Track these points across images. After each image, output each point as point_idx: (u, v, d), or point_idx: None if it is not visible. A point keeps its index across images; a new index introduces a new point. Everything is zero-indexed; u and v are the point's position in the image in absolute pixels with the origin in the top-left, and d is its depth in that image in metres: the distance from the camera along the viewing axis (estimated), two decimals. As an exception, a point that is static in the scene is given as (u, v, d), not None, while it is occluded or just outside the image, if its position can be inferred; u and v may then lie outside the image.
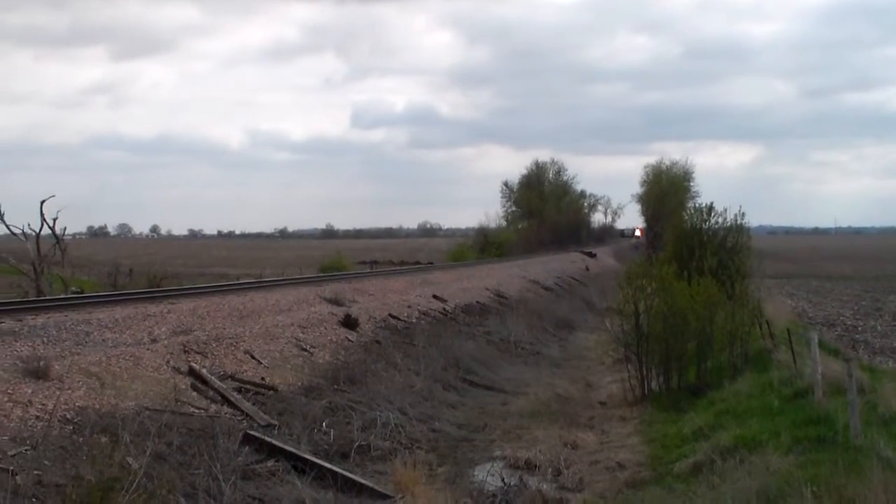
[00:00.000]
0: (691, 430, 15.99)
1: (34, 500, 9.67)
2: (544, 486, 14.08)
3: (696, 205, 39.74)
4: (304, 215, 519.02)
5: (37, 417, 11.95)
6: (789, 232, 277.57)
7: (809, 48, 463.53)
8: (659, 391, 21.29)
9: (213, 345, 18.67)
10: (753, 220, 41.39)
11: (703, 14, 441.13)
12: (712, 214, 32.46)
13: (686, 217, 35.56)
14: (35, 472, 10.23)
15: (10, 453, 10.55)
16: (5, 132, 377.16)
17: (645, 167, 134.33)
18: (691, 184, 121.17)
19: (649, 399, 20.91)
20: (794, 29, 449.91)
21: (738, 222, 32.07)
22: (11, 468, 10.05)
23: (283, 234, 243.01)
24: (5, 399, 12.22)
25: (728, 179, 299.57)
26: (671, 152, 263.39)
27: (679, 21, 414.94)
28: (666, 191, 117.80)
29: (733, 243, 31.62)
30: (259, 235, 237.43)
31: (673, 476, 13.69)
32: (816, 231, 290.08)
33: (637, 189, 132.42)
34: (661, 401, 20.25)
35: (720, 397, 18.25)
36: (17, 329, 16.57)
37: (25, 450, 10.80)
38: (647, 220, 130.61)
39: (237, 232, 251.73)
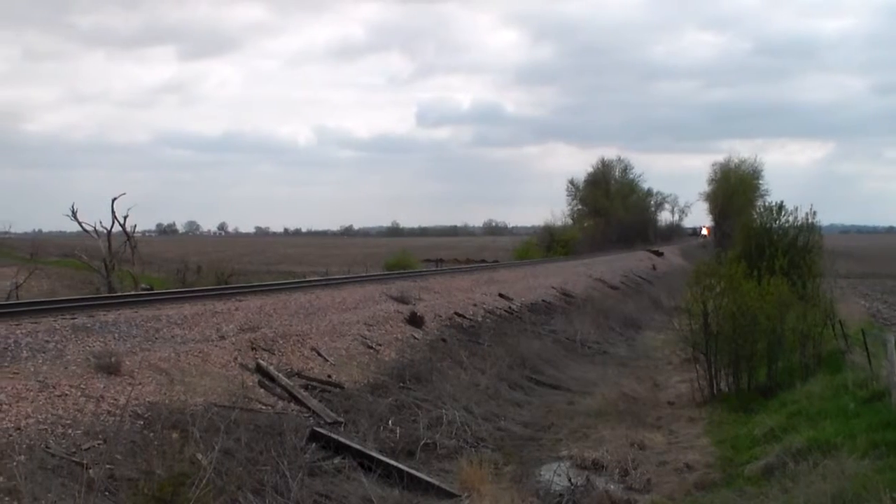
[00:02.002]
0: (762, 432, 15.71)
1: (107, 493, 9.80)
2: (611, 487, 13.94)
3: (766, 203, 39.23)
4: (369, 213, 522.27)
5: (108, 412, 12.12)
6: (862, 231, 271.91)
7: (883, 43, 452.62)
8: (728, 392, 20.97)
9: (280, 342, 18.79)
10: (825, 218, 40.70)
11: (772, 10, 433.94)
12: (782, 213, 31.99)
13: (755, 216, 35.09)
14: (107, 465, 10.38)
15: (83, 447, 10.72)
16: (78, 131, 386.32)
17: (713, 165, 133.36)
18: (760, 182, 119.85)
19: (718, 399, 20.61)
20: (868, 24, 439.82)
21: (810, 221, 31.55)
22: (85, 461, 10.21)
23: (348, 232, 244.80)
24: (78, 394, 12.42)
25: (798, 177, 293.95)
26: (739, 150, 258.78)
27: (748, 17, 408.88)
28: (734, 189, 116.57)
29: (804, 242, 31.11)
30: (325, 233, 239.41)
31: (743, 478, 13.48)
32: (891, 230, 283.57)
33: (705, 187, 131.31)
34: (730, 401, 19.94)
35: (792, 399, 17.91)
36: (89, 325, 16.83)
37: (98, 444, 10.96)
38: (714, 219, 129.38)
39: (303, 229, 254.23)
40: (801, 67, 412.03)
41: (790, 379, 19.79)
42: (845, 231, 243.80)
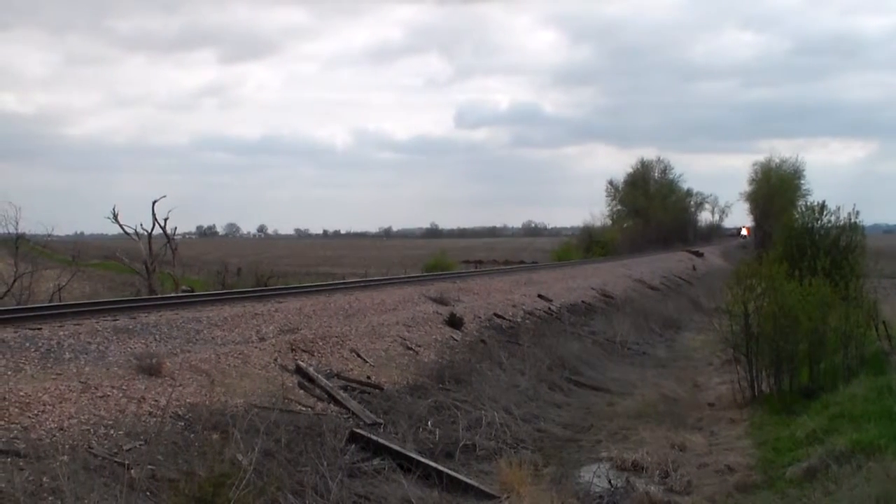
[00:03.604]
0: (804, 434, 15.53)
1: (148, 493, 9.89)
2: (652, 489, 13.83)
3: (807, 203, 38.76)
4: (408, 215, 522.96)
5: (150, 413, 12.24)
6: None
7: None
8: (769, 393, 20.74)
9: (320, 343, 18.87)
10: (868, 218, 40.16)
11: (814, 8, 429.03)
12: (824, 213, 31.63)
13: (797, 215, 34.72)
14: (149, 466, 10.47)
15: (125, 447, 10.83)
16: (119, 134, 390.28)
17: (753, 165, 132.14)
18: (802, 182, 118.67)
19: (759, 401, 20.39)
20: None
21: (852, 221, 31.16)
22: (127, 462, 10.30)
23: (387, 234, 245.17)
24: (120, 395, 12.55)
25: (840, 177, 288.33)
26: (780, 150, 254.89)
27: (789, 16, 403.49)
28: (775, 189, 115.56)
29: (847, 242, 30.74)
30: (364, 235, 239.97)
31: (785, 481, 13.34)
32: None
33: (745, 187, 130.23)
34: (771, 403, 19.73)
35: (834, 400, 17.68)
36: (131, 326, 17.00)
37: (139, 444, 11.07)
38: (755, 219, 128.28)
39: (342, 231, 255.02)
40: (843, 66, 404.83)
41: (832, 380, 19.55)
42: (889, 231, 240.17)
